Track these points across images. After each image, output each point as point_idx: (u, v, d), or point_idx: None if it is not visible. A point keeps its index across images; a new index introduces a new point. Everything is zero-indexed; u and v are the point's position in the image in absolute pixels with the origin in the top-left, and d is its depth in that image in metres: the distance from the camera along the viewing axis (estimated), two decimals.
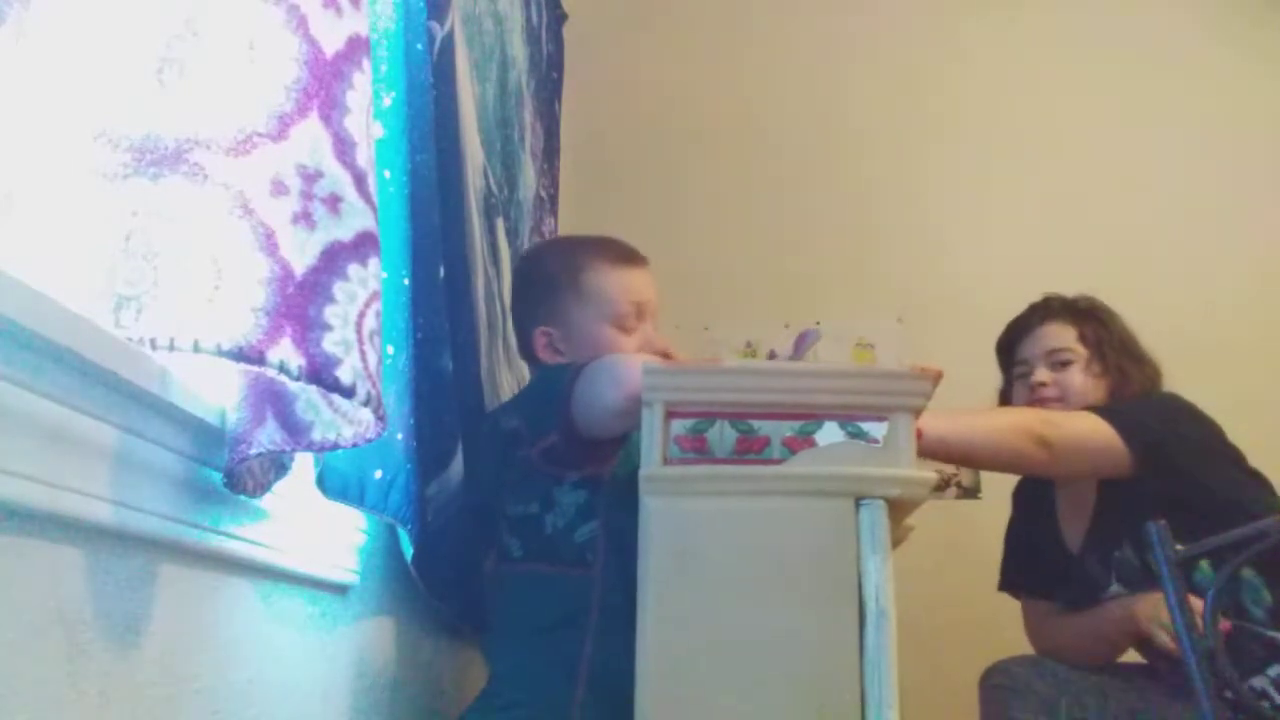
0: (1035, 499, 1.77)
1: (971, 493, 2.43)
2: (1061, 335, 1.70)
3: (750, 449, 1.07)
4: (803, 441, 1.07)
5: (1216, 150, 2.59)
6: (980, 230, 2.60)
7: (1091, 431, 1.50)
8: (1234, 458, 1.57)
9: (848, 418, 1.08)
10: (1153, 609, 1.45)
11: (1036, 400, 1.67)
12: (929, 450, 1.40)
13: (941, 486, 2.45)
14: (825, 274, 2.60)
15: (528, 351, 1.49)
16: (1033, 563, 1.75)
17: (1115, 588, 1.59)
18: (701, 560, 1.04)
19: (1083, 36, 2.69)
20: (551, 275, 1.45)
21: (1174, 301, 2.45)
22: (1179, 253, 2.52)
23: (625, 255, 1.45)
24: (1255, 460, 1.59)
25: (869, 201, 2.65)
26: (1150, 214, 2.56)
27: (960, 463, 1.20)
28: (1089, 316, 1.71)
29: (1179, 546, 1.10)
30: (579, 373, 1.28)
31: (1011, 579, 1.79)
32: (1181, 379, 1.75)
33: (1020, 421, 1.49)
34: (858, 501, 1.05)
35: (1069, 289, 1.81)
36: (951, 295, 2.52)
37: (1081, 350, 1.68)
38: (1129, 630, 1.52)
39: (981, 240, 2.58)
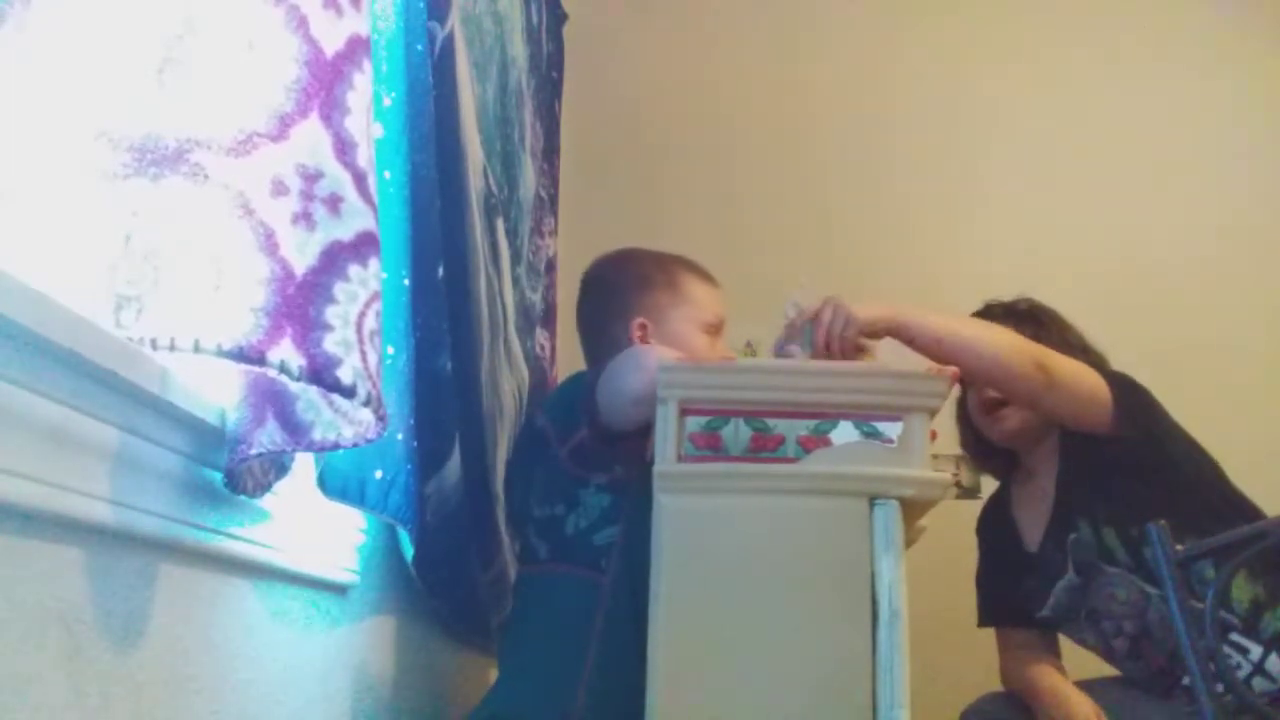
0: (995, 518, 1.79)
1: (971, 493, 2.43)
2: None
3: (765, 447, 1.07)
4: (818, 440, 1.07)
5: (1212, 146, 2.59)
6: (981, 230, 2.59)
7: (1083, 373, 1.53)
8: (1190, 438, 1.60)
9: (863, 417, 1.07)
10: None
11: (988, 408, 1.69)
12: (922, 347, 1.39)
13: None
14: (826, 274, 2.59)
15: (612, 346, 1.41)
16: (999, 581, 1.75)
17: (1070, 577, 1.60)
18: (714, 558, 1.04)
19: (1072, 36, 2.69)
20: (646, 275, 1.50)
21: (1173, 300, 2.45)
22: (1177, 251, 2.52)
23: (711, 276, 1.53)
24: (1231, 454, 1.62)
25: (869, 201, 2.65)
26: (1144, 213, 2.55)
27: (949, 363, 1.19)
28: (1027, 319, 1.72)
29: (1178, 547, 1.10)
30: (605, 367, 1.29)
31: (985, 610, 1.78)
32: (1176, 375, 1.76)
33: (1022, 344, 1.50)
34: (872, 501, 1.04)
35: (1065, 288, 1.82)
36: (952, 295, 2.51)
37: None
38: None
39: (981, 240, 2.58)
